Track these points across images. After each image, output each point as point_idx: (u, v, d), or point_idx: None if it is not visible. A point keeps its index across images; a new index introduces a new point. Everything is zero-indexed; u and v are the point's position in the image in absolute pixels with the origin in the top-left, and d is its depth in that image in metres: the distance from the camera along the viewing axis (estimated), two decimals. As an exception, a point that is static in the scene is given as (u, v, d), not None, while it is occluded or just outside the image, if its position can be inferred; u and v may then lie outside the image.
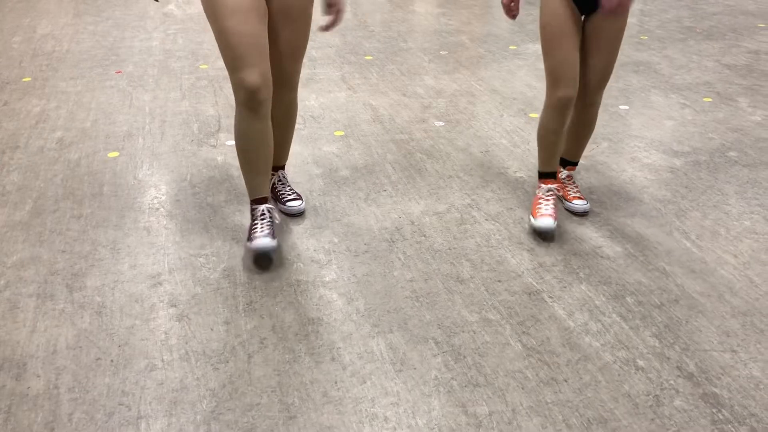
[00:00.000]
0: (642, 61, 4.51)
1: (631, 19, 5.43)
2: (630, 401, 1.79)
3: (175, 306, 2.14)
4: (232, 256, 2.38)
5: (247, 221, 2.57)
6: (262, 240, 2.25)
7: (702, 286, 2.25)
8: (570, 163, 2.70)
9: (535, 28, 5.14)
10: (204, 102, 3.74)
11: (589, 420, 1.73)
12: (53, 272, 2.29)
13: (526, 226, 2.58)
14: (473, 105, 3.76)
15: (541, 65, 4.29)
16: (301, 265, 2.34)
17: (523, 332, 2.04)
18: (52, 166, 3.02)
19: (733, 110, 3.69)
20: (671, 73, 4.27)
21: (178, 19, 5.43)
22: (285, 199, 2.63)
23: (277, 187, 2.67)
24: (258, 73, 2.11)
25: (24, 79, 4.04)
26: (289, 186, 2.68)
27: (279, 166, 2.67)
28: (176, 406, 1.77)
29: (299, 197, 2.65)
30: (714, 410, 1.76)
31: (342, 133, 3.39)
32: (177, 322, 2.07)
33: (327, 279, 2.27)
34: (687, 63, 4.48)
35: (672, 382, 1.86)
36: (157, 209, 2.68)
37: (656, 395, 1.81)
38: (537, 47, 4.71)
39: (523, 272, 2.31)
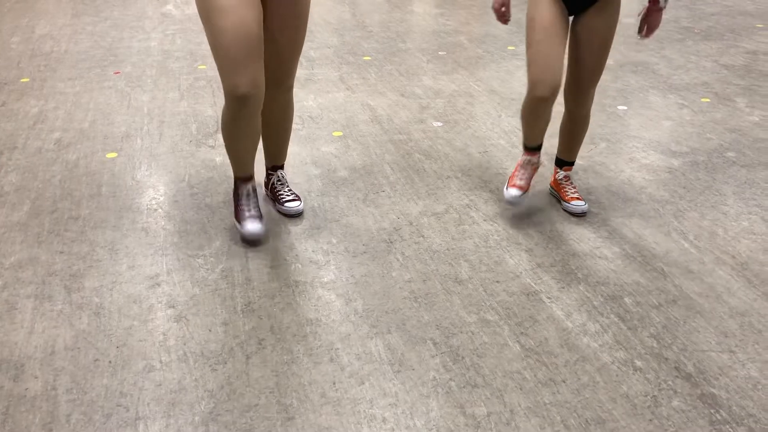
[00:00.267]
0: (640, 62, 4.51)
1: (630, 20, 5.43)
2: (628, 402, 1.79)
3: (174, 307, 2.13)
4: (230, 257, 2.38)
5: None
6: (252, 226, 2.41)
7: (700, 286, 2.25)
8: (566, 163, 2.69)
9: (533, 28, 5.13)
10: (202, 102, 3.74)
11: (587, 420, 1.73)
12: (51, 273, 2.29)
13: (525, 226, 2.59)
14: (471, 105, 3.76)
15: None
16: (300, 265, 2.34)
17: (522, 333, 2.04)
18: (50, 166, 3.01)
19: (731, 110, 3.69)
20: (669, 74, 4.27)
21: (177, 20, 5.43)
22: (283, 199, 2.63)
23: (276, 187, 2.66)
24: (249, 79, 2.11)
25: (22, 80, 4.04)
26: (287, 186, 2.68)
27: (278, 166, 2.67)
28: (174, 407, 1.76)
29: (298, 198, 2.64)
30: (712, 411, 1.76)
31: (340, 133, 3.39)
32: (175, 323, 2.06)
33: (325, 280, 2.27)
34: (685, 63, 4.48)
35: (670, 382, 1.86)
36: (156, 210, 2.68)
37: (654, 396, 1.81)
38: (535, 47, 4.71)
39: (521, 273, 2.31)
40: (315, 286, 2.24)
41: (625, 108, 3.74)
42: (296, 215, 2.63)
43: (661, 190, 2.85)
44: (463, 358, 1.94)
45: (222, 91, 3.89)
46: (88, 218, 2.61)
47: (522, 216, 2.66)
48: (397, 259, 2.38)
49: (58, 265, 2.33)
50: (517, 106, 3.74)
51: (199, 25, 5.26)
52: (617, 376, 1.88)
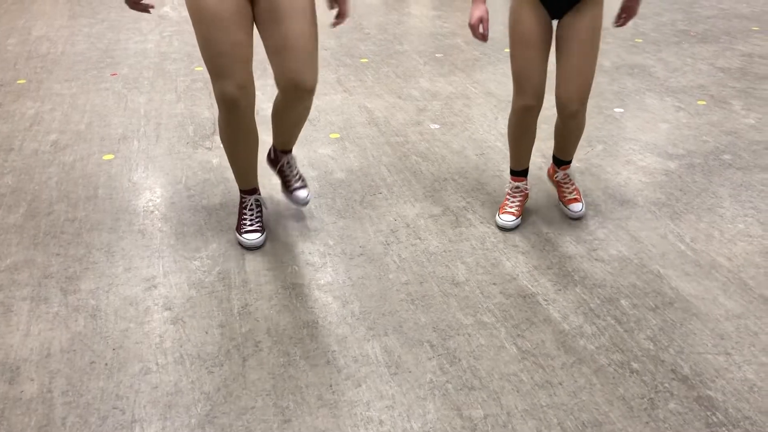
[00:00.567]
0: (637, 64, 4.52)
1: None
2: (625, 404, 1.79)
3: (170, 309, 2.13)
4: (227, 259, 2.38)
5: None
6: (250, 237, 2.42)
7: (696, 288, 2.25)
8: (563, 162, 2.66)
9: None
10: (199, 104, 3.74)
11: (584, 423, 1.73)
12: (47, 275, 2.28)
13: (521, 229, 2.59)
14: (468, 108, 3.76)
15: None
16: (296, 267, 2.34)
17: (518, 335, 2.04)
18: (47, 168, 3.01)
19: (727, 113, 3.70)
20: (666, 76, 4.28)
21: (174, 21, 5.43)
22: (292, 187, 2.59)
23: (284, 171, 2.60)
24: (236, 85, 2.11)
25: (18, 82, 4.03)
26: (297, 170, 2.62)
27: (287, 150, 2.58)
28: (171, 410, 1.76)
29: (305, 185, 2.61)
30: (708, 413, 1.77)
31: (337, 135, 3.39)
32: (172, 326, 2.06)
33: (322, 282, 2.27)
34: (681, 66, 4.49)
35: (666, 385, 1.86)
36: (152, 212, 2.67)
37: (651, 398, 1.81)
38: (532, 50, 4.72)
39: (518, 275, 2.32)
40: (312, 289, 2.24)
41: (622, 110, 3.74)
42: (304, 204, 2.61)
43: (657, 193, 2.86)
44: (459, 360, 1.94)
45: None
46: (84, 220, 2.61)
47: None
48: (394, 262, 2.38)
49: (54, 267, 2.33)
50: (514, 108, 3.74)
51: (196, 27, 5.25)
52: (614, 378, 1.88)
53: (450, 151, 3.22)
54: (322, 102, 3.81)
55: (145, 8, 2.04)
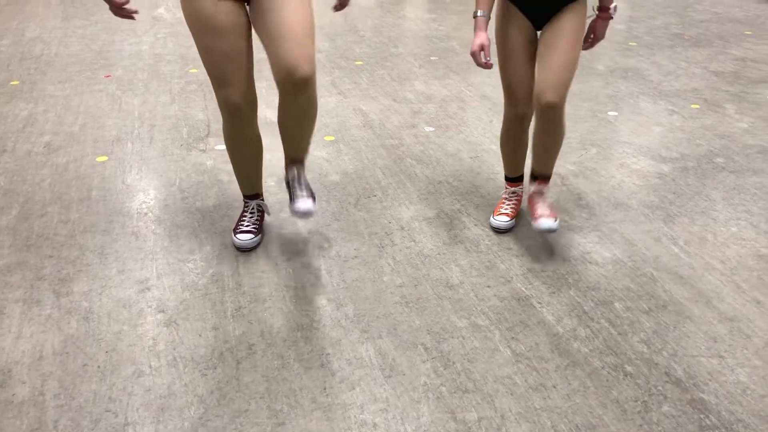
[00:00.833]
0: (630, 68, 4.54)
1: (620, 26, 5.46)
2: (618, 407, 1.80)
3: (163, 311, 2.12)
4: (220, 262, 2.37)
5: (236, 226, 2.57)
6: (243, 237, 2.42)
7: (690, 291, 2.26)
8: (540, 176, 2.47)
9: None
10: (193, 106, 3.73)
11: (577, 426, 1.74)
12: (40, 277, 2.27)
13: (516, 231, 2.59)
14: (463, 110, 3.77)
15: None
16: (290, 270, 2.34)
17: (512, 338, 2.04)
18: (40, 170, 3.00)
19: (720, 117, 3.72)
20: (659, 80, 4.30)
21: (168, 23, 5.42)
22: (296, 197, 2.32)
23: (292, 184, 2.38)
24: (238, 94, 2.15)
25: (12, 83, 4.01)
26: (304, 184, 2.37)
27: (296, 160, 2.36)
28: (164, 413, 1.75)
29: (311, 198, 2.33)
30: (701, 416, 1.77)
31: (332, 138, 3.38)
32: (165, 328, 2.05)
33: (316, 284, 2.27)
34: (675, 70, 4.51)
35: (660, 387, 1.86)
36: (146, 214, 2.66)
37: (644, 401, 1.82)
38: (527, 53, 4.73)
39: (512, 278, 2.32)
40: (306, 291, 2.23)
41: (616, 114, 3.75)
42: (307, 215, 2.29)
43: (651, 196, 2.87)
44: (453, 363, 1.94)
45: (214, 95, 3.89)
46: (77, 222, 2.60)
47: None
48: (389, 264, 2.38)
49: (47, 269, 2.32)
50: (509, 111, 3.75)
51: (190, 29, 5.25)
52: (607, 381, 1.88)
53: (444, 154, 3.23)
54: (316, 104, 3.81)
55: (129, 15, 2.02)
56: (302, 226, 2.61)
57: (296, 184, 2.36)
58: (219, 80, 2.14)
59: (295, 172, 2.37)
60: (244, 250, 2.43)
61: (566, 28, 2.22)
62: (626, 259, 2.42)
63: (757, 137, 3.45)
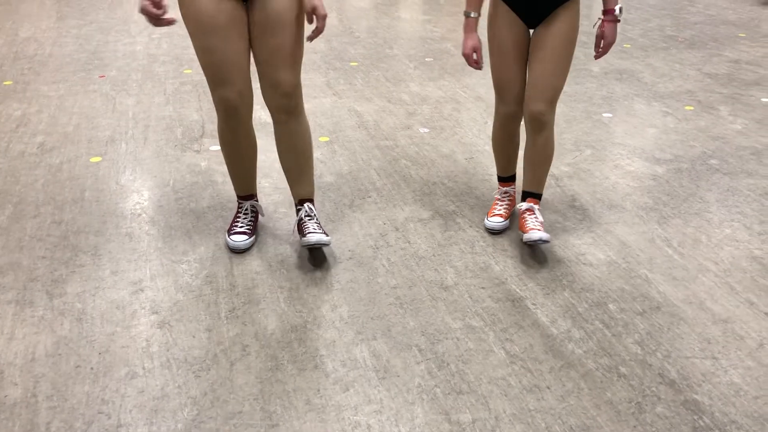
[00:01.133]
0: (625, 69, 4.55)
1: (615, 28, 5.47)
2: (612, 408, 1.80)
3: (157, 313, 2.12)
4: (214, 263, 2.36)
5: (230, 227, 2.56)
6: (236, 238, 2.42)
7: (683, 293, 2.26)
8: (532, 194, 2.48)
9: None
10: (188, 107, 3.72)
11: (571, 427, 1.74)
12: (33, 278, 2.26)
13: (510, 233, 2.59)
14: (458, 112, 3.77)
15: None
16: (284, 271, 2.33)
17: (507, 339, 2.04)
18: (33, 170, 2.98)
19: (714, 119, 3.73)
20: (654, 82, 4.31)
21: (163, 24, 5.40)
22: (308, 232, 2.34)
23: (303, 222, 2.39)
24: (236, 91, 2.17)
25: (5, 83, 4.00)
26: (316, 221, 2.40)
27: (304, 199, 2.42)
28: (157, 414, 1.75)
29: (324, 233, 2.35)
30: (695, 417, 1.77)
31: (327, 139, 3.38)
32: (158, 329, 2.05)
33: (310, 285, 2.26)
34: (669, 71, 4.52)
35: (654, 389, 1.86)
36: (140, 215, 2.66)
37: (638, 402, 1.82)
38: (521, 55, 4.74)
39: (506, 279, 2.32)
40: (300, 292, 2.23)
41: (610, 115, 3.76)
42: (317, 246, 2.31)
43: (645, 197, 2.87)
44: (448, 364, 1.94)
45: (209, 96, 3.88)
46: (71, 223, 2.59)
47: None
48: (383, 265, 2.38)
49: (39, 270, 2.31)
50: (503, 112, 3.75)
51: (185, 30, 5.23)
52: (602, 382, 1.88)
53: (439, 155, 3.23)
54: (311, 105, 3.81)
55: (169, 23, 2.00)
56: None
57: (307, 221, 2.39)
58: (217, 79, 2.15)
59: (306, 209, 2.40)
60: (238, 252, 2.42)
61: (559, 30, 2.22)
62: (620, 261, 2.43)
63: (751, 139, 3.47)
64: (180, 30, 5.22)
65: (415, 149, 3.28)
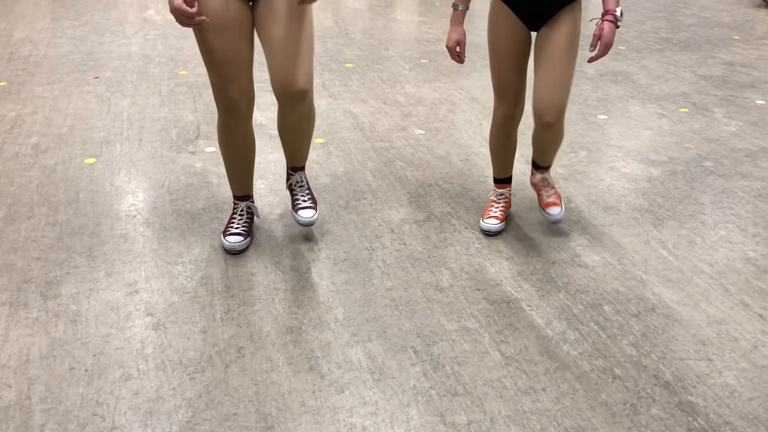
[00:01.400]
0: (620, 71, 4.56)
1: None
2: (607, 410, 1.80)
3: (152, 314, 2.11)
4: (209, 264, 2.36)
5: (225, 229, 2.56)
6: (231, 239, 2.41)
7: (678, 294, 2.27)
8: (541, 166, 2.58)
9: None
10: (183, 108, 3.72)
11: (566, 429, 1.74)
12: (27, 280, 2.25)
13: (506, 234, 2.59)
14: (453, 113, 3.77)
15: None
16: (280, 273, 2.33)
17: (502, 341, 2.04)
18: (27, 172, 2.97)
19: (709, 121, 3.74)
20: (649, 84, 4.32)
21: (158, 25, 5.40)
22: (298, 206, 2.45)
23: (294, 190, 2.50)
24: (238, 90, 2.18)
25: (-1, 84, 3.99)
26: (307, 190, 2.50)
27: (297, 167, 2.49)
28: (152, 417, 1.74)
29: (313, 206, 2.46)
30: (690, 418, 1.78)
31: (322, 140, 3.38)
32: (153, 331, 2.04)
33: (306, 287, 2.26)
34: (664, 73, 4.54)
35: (649, 390, 1.87)
36: (134, 216, 2.65)
37: (633, 404, 1.82)
38: (517, 56, 4.74)
39: (502, 281, 2.32)
40: (295, 294, 2.23)
41: (605, 117, 3.77)
42: (309, 225, 2.42)
43: (640, 199, 2.88)
44: (443, 366, 1.94)
45: (204, 97, 3.87)
46: (65, 224, 2.58)
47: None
48: (379, 267, 2.38)
49: (34, 271, 2.30)
50: (499, 114, 3.76)
51: (180, 30, 5.23)
52: (596, 384, 1.89)
53: (435, 157, 3.23)
54: (307, 107, 3.80)
55: (200, 23, 1.99)
56: (292, 227, 2.60)
57: (298, 190, 2.49)
58: (220, 78, 2.15)
59: (297, 177, 2.49)
60: (234, 253, 2.42)
61: (562, 37, 2.20)
62: (615, 263, 2.43)
63: (745, 141, 3.48)
64: (175, 31, 5.21)
65: (411, 151, 3.28)
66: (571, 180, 3.03)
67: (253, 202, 2.52)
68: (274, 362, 1.93)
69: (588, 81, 4.36)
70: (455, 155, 3.25)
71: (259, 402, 1.80)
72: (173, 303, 2.16)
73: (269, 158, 3.15)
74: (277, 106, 3.79)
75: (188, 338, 2.02)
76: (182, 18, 1.94)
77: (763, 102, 4.03)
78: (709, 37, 5.48)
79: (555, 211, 2.56)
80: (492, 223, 2.57)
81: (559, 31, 2.21)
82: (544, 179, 2.62)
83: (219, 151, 3.21)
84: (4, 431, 1.69)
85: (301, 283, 2.28)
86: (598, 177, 3.07)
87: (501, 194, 2.65)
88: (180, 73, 4.27)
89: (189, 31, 5.20)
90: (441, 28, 5.54)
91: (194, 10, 1.94)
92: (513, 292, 2.26)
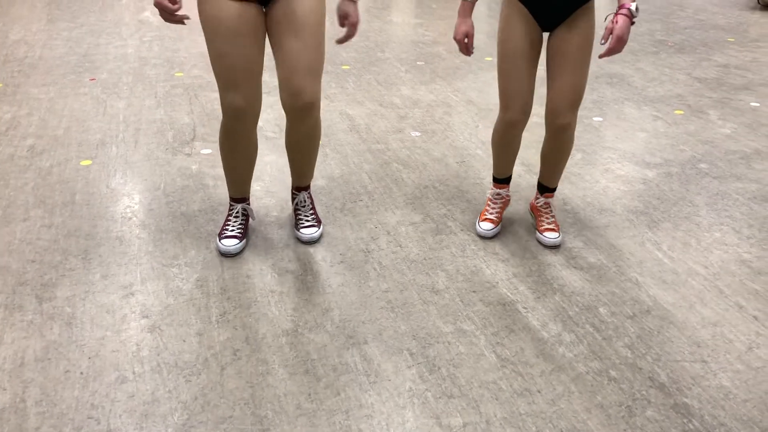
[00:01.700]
0: (615, 74, 4.57)
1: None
2: (603, 412, 1.80)
3: (147, 317, 2.11)
4: (205, 267, 2.36)
5: (221, 231, 2.56)
6: (227, 242, 2.42)
7: (673, 296, 2.27)
8: (547, 189, 2.56)
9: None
10: (179, 110, 3.71)
11: (562, 431, 1.74)
12: (22, 282, 2.25)
13: (501, 236, 2.60)
14: (449, 115, 3.78)
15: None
16: (276, 275, 2.33)
17: (498, 343, 2.04)
18: (23, 174, 2.97)
19: (703, 123, 3.76)
20: (644, 86, 4.34)
21: (154, 27, 5.39)
22: (300, 225, 2.52)
23: (298, 210, 2.55)
24: (244, 97, 2.16)
25: (-5, 85, 3.98)
26: (310, 210, 2.55)
27: (301, 187, 2.54)
28: (147, 419, 1.74)
29: (316, 224, 2.53)
30: (685, 420, 1.78)
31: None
32: (149, 334, 2.04)
33: (301, 289, 2.26)
34: (659, 76, 4.55)
35: (644, 392, 1.87)
36: (130, 218, 2.65)
37: (628, 406, 1.83)
38: (513, 59, 4.75)
39: (497, 282, 2.32)
40: (291, 296, 2.23)
41: (601, 119, 3.78)
42: (310, 242, 2.49)
43: (635, 201, 2.89)
44: (439, 368, 1.94)
45: (200, 99, 3.87)
46: (60, 227, 2.57)
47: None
48: (374, 269, 2.38)
49: (29, 274, 2.29)
50: (494, 116, 3.76)
51: (176, 32, 5.22)
52: (592, 386, 1.89)
53: (431, 159, 3.23)
54: (303, 109, 3.80)
55: (181, 20, 2.01)
56: (288, 230, 2.60)
57: (301, 210, 2.54)
58: (228, 83, 2.14)
59: (301, 198, 2.54)
60: (229, 256, 2.42)
61: (578, 40, 2.18)
62: (611, 265, 2.44)
63: (740, 143, 3.49)
64: (171, 33, 5.21)
65: (407, 153, 3.29)
66: (567, 182, 3.04)
67: (249, 204, 2.52)
68: (269, 365, 1.93)
69: (583, 83, 4.36)
70: (451, 157, 3.26)
71: (254, 404, 1.80)
72: (169, 305, 2.16)
73: (266, 160, 3.15)
74: (275, 106, 3.80)
75: (184, 341, 2.01)
76: (164, 13, 1.96)
77: (758, 104, 4.05)
78: (704, 39, 5.50)
79: (553, 236, 2.51)
80: (487, 227, 2.57)
81: (574, 34, 2.18)
82: (548, 204, 2.58)
83: (215, 153, 3.21)
84: (-2, 434, 1.69)
85: (296, 286, 2.28)
86: (594, 179, 3.08)
87: (498, 194, 2.62)
88: (176, 75, 4.27)
89: (185, 34, 5.20)
90: (437, 31, 5.54)
91: (176, 6, 1.94)
92: (509, 294, 2.27)
